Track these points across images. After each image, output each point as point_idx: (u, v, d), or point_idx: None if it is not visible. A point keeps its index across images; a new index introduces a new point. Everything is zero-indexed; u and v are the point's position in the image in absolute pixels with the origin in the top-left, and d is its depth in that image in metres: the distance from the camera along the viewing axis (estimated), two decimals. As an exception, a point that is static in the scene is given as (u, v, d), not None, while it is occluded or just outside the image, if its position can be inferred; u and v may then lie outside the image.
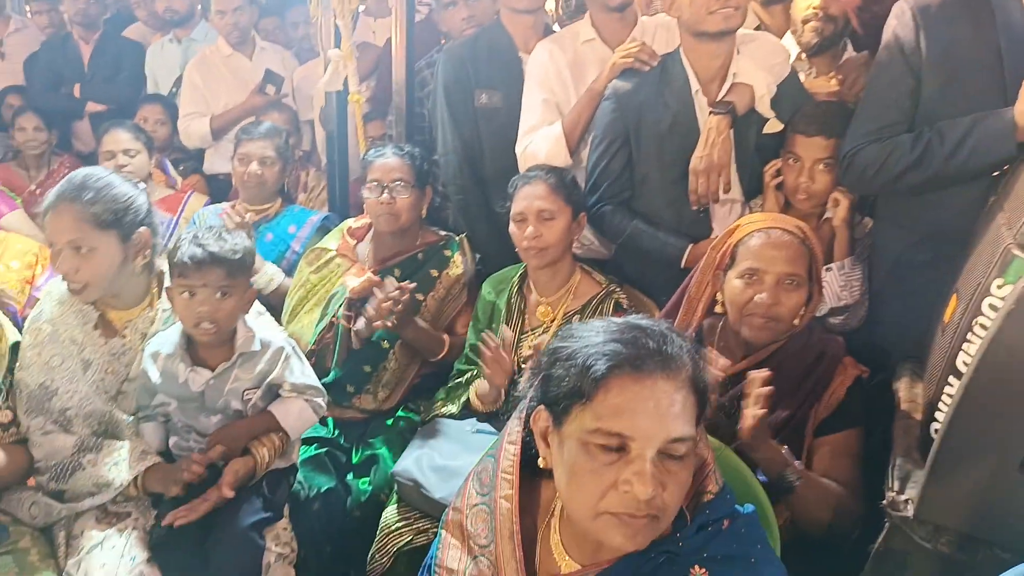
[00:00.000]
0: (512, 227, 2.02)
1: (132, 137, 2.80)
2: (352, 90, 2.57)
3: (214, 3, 3.31)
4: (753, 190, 2.07)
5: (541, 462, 1.10)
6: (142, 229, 1.74)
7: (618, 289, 2.03)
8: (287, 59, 3.49)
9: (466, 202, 2.44)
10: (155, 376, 1.70)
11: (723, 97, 1.96)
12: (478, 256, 2.39)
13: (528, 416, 1.14)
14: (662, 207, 2.06)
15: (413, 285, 2.10)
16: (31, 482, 1.85)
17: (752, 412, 1.35)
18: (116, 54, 3.71)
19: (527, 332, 2.06)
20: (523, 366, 2.01)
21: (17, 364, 1.75)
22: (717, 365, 1.47)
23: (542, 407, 1.08)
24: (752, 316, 1.52)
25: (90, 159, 3.66)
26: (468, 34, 2.54)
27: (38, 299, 2.27)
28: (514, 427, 1.19)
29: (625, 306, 1.99)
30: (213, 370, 1.71)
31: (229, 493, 1.61)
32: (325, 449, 2.10)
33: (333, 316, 2.22)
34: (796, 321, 1.53)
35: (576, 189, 2.05)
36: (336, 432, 2.19)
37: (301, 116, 3.38)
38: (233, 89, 3.31)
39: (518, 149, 2.27)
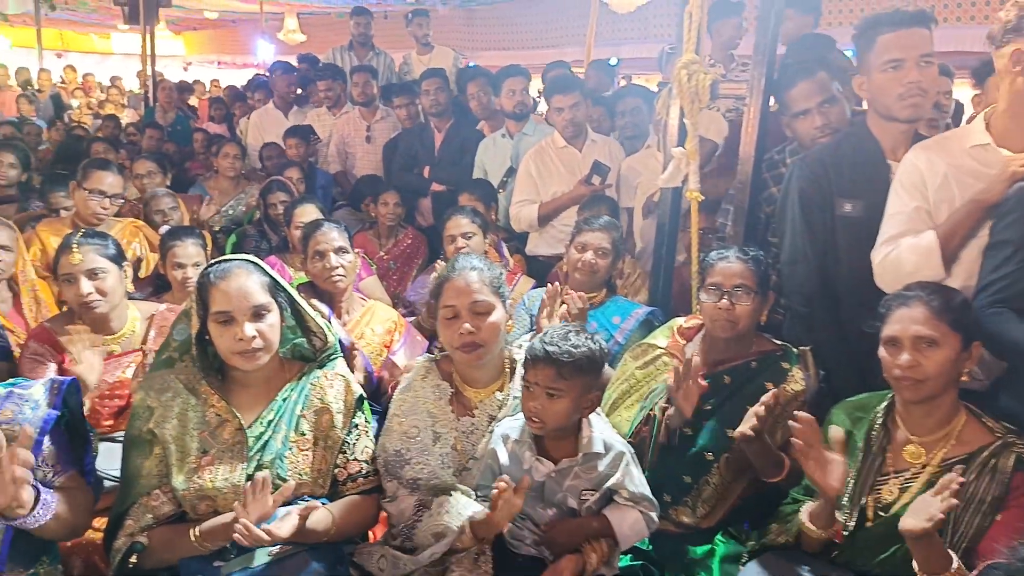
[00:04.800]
0: (882, 352, 1.78)
1: (470, 221, 3.07)
2: (691, 187, 2.54)
3: (552, 100, 3.54)
4: None
5: None
6: (509, 301, 1.89)
7: (1019, 440, 1.68)
8: (614, 149, 3.61)
9: (812, 314, 2.25)
10: (503, 458, 1.76)
11: None
12: (822, 373, 2.17)
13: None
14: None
15: (776, 394, 1.93)
16: (374, 537, 2.02)
17: None
18: (462, 142, 4.16)
19: (889, 474, 1.78)
20: (881, 514, 1.75)
21: (383, 429, 1.92)
22: None
23: None
24: None
25: (428, 232, 4.11)
26: (821, 142, 2.42)
27: (393, 362, 2.53)
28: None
29: (1031, 464, 1.63)
30: (556, 463, 1.71)
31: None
32: (640, 563, 1.99)
33: (651, 408, 2.14)
34: None
35: (966, 313, 1.76)
36: (649, 545, 2.08)
37: (620, 204, 3.45)
38: (563, 179, 3.50)
39: (875, 257, 2.07)
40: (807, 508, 1.79)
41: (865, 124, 2.24)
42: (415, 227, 4.15)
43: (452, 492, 1.76)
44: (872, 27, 2.12)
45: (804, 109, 2.49)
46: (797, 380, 2.11)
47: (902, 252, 2.00)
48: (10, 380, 1.78)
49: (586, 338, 1.70)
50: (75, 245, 2.23)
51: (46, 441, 1.68)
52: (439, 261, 3.09)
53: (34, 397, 1.71)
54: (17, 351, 2.49)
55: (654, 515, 1.75)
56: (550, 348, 1.67)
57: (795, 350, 2.17)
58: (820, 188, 2.22)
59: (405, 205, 3.97)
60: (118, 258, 2.32)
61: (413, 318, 3.00)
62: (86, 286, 2.21)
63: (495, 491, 1.62)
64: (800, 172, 2.29)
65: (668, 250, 2.69)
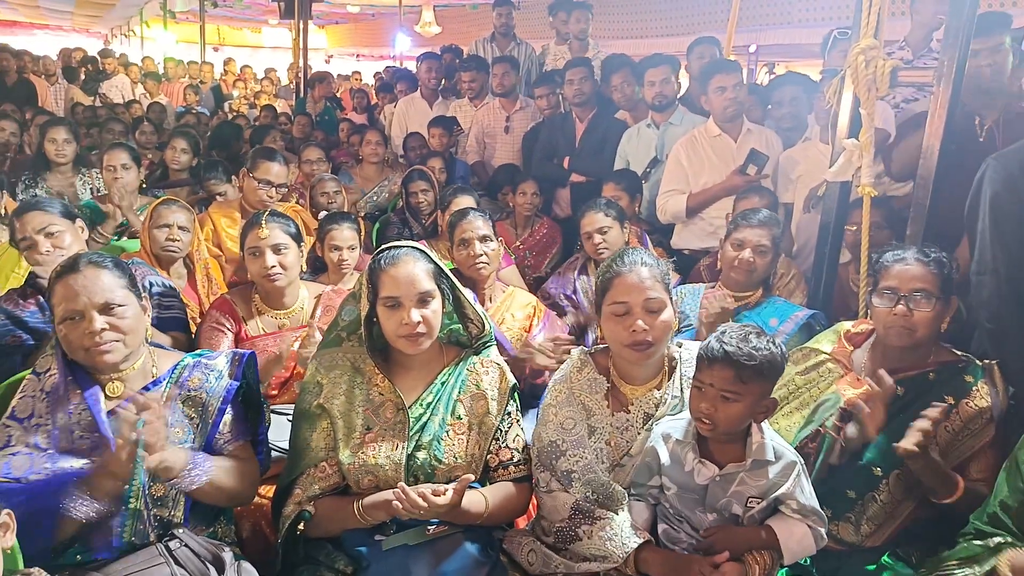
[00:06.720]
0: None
1: (604, 215, 3.01)
2: (864, 181, 2.37)
3: (714, 80, 3.36)
4: None
5: None
6: (676, 298, 1.85)
7: None
8: (772, 139, 3.43)
9: (1002, 330, 2.03)
10: (664, 457, 1.71)
11: None
12: (1011, 390, 1.96)
13: None
14: None
15: (945, 407, 1.79)
16: (520, 524, 2.03)
17: None
18: (604, 132, 4.09)
19: (1100, 510, 1.59)
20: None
21: (538, 419, 1.92)
22: None
23: None
24: None
25: (564, 223, 4.08)
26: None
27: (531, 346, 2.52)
28: None
29: None
30: (721, 467, 1.65)
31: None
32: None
33: (821, 425, 2.01)
34: None
35: None
36: (807, 560, 1.97)
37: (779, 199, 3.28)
38: (715, 169, 3.36)
39: None
40: (1009, 557, 1.62)
41: None
42: (551, 218, 4.13)
43: (616, 512, 1.73)
44: None
45: None
46: (983, 396, 1.92)
47: None
48: (197, 351, 1.92)
49: (767, 340, 1.62)
50: (264, 222, 2.44)
51: (228, 410, 1.80)
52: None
53: (218, 367, 1.83)
54: (191, 324, 2.69)
55: (823, 531, 1.64)
56: (730, 349, 1.59)
57: (980, 363, 1.98)
58: (1016, 192, 2.00)
59: (543, 195, 3.96)
60: (298, 237, 2.50)
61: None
62: (271, 259, 2.40)
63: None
64: (993, 173, 2.06)
65: (832, 249, 2.52)
